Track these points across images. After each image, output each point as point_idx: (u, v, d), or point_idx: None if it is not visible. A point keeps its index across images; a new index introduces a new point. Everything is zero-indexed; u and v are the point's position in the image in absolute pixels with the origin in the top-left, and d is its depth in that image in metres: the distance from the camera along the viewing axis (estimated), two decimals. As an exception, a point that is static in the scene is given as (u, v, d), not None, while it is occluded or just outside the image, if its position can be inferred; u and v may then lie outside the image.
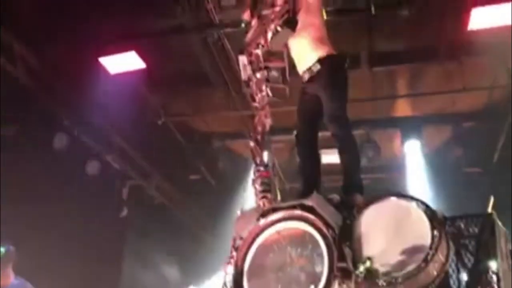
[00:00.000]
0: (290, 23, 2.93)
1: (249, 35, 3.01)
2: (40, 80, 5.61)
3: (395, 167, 7.58)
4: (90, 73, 5.83)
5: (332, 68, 3.41)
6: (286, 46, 3.21)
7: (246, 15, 3.12)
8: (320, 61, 3.42)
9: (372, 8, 5.19)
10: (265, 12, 3.00)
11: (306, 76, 3.50)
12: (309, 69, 3.46)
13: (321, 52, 3.44)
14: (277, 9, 3.00)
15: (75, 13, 5.35)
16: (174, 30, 5.74)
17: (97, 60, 5.77)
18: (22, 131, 5.52)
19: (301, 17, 3.39)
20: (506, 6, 5.01)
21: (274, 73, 3.10)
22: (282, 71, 3.11)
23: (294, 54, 3.57)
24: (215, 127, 7.40)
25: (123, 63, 5.86)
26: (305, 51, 3.48)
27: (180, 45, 5.95)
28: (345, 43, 5.50)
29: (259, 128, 3.13)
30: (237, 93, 6.34)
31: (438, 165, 7.35)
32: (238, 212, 2.96)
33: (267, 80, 3.11)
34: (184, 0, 5.40)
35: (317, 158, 3.57)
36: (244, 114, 6.44)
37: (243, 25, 3.21)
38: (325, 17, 5.01)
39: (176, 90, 6.60)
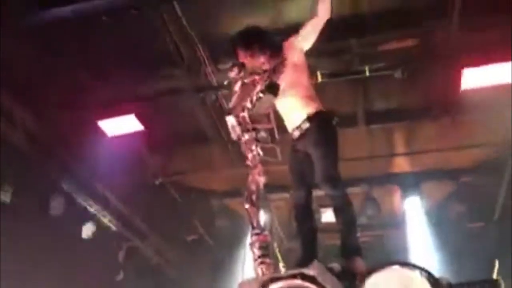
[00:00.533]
0: (271, 89, 2.94)
1: (234, 99, 3.02)
2: (38, 144, 5.60)
3: (395, 224, 7.47)
4: (88, 136, 5.83)
5: (321, 125, 3.41)
6: (271, 108, 3.23)
7: (233, 73, 3.12)
8: (309, 118, 3.43)
9: (367, 71, 5.28)
10: (247, 79, 3.03)
11: (296, 134, 3.50)
12: (299, 127, 3.46)
13: (310, 109, 3.45)
14: (258, 77, 3.05)
15: (75, 77, 5.42)
16: (172, 92, 5.78)
17: (96, 123, 5.79)
18: (18, 195, 5.43)
19: (288, 77, 3.41)
20: (497, 66, 5.12)
21: (262, 134, 3.06)
22: (270, 131, 3.08)
23: (283, 113, 3.57)
24: (213, 185, 7.34)
25: (122, 126, 5.88)
26: (294, 109, 3.48)
27: (179, 106, 5.98)
28: (341, 103, 5.70)
29: (253, 187, 3.08)
30: (235, 150, 6.22)
31: (439, 221, 7.23)
32: (238, 283, 2.90)
33: (257, 140, 3.07)
34: (182, 63, 5.46)
35: (314, 221, 3.52)
36: (243, 172, 6.30)
37: (225, 82, 3.22)
38: (320, 79, 5.24)
39: (174, 150, 6.58)
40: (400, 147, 6.65)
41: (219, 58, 5.47)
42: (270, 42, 3.50)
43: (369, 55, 5.38)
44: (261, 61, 3.38)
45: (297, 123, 3.47)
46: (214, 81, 5.60)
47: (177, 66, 5.50)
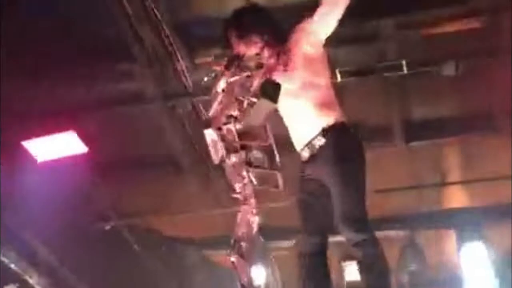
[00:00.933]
0: (269, 90, 2.91)
1: (215, 105, 3.01)
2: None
3: (449, 282, 7.44)
4: (10, 163, 5.77)
5: (342, 142, 3.46)
6: (269, 118, 3.18)
7: (218, 66, 3.18)
8: (325, 132, 3.47)
9: (404, 66, 5.30)
10: (234, 77, 3.04)
11: (306, 155, 3.54)
12: (310, 144, 3.50)
13: (327, 119, 3.49)
14: (250, 73, 3.07)
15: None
16: (130, 99, 5.79)
17: (19, 145, 5.77)
18: None
19: (298, 75, 3.50)
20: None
21: (256, 154, 3.07)
22: (267, 150, 3.08)
23: (289, 125, 3.64)
24: (189, 230, 7.33)
25: (57, 147, 5.86)
26: (304, 120, 3.53)
27: (139, 118, 5.97)
28: (369, 111, 5.79)
29: (243, 231, 3.08)
30: (217, 179, 6.35)
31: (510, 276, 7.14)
32: None
33: (248, 163, 3.07)
34: (144, 57, 5.45)
35: (330, 280, 3.56)
36: (228, 211, 6.35)
37: (205, 78, 3.27)
38: (339, 78, 5.20)
39: (132, 180, 6.55)
40: (453, 172, 6.65)
41: (197, 50, 5.48)
42: (271, 26, 3.62)
43: (409, 43, 5.36)
44: (257, 52, 3.50)
45: (308, 138, 3.51)
46: (189, 82, 5.57)
47: (137, 61, 5.46)
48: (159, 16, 5.13)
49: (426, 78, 5.50)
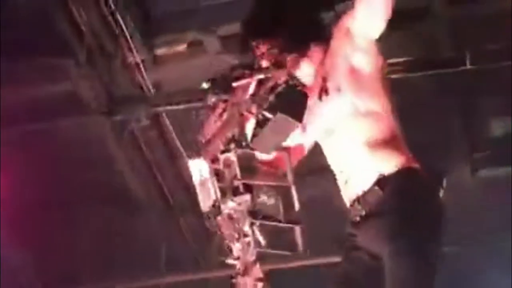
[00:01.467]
0: (289, 103, 2.96)
1: (210, 126, 3.06)
2: None
3: None
4: None
5: (407, 198, 3.50)
6: (287, 145, 3.26)
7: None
8: (383, 182, 3.51)
9: (467, 60, 5.38)
10: (239, 82, 3.07)
11: (355, 216, 3.60)
12: (362, 198, 3.57)
13: (387, 165, 3.55)
14: (259, 75, 3.08)
15: None
16: (60, 107, 5.88)
17: None
18: None
19: (345, 100, 3.61)
20: None
21: (266, 199, 3.10)
22: (283, 194, 3.10)
23: (336, 170, 3.73)
24: None
25: None
26: (354, 165, 3.61)
27: (72, 136, 6.08)
28: (419, 128, 5.74)
29: None
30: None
31: None
32: None
33: (252, 214, 3.11)
34: (82, 47, 5.60)
35: None
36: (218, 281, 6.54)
37: (204, 84, 3.22)
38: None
39: (63, 232, 6.64)
40: None
41: (159, 36, 5.61)
42: (303, 25, 3.77)
43: (473, 25, 5.44)
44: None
45: (360, 190, 3.60)
46: (147, 83, 5.68)
47: (71, 53, 5.58)
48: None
49: (501, 77, 5.58)
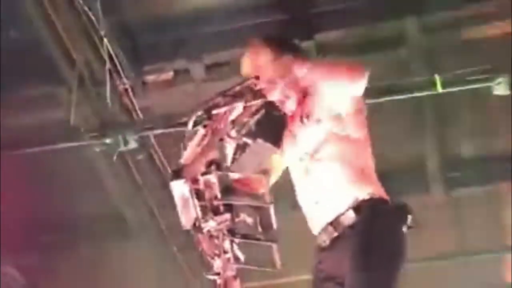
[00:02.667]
0: (268, 129, 3.03)
1: (191, 147, 3.07)
2: None
3: None
4: None
5: (378, 223, 3.49)
6: (268, 166, 3.30)
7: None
8: (357, 205, 3.51)
9: (438, 83, 5.41)
10: (220, 109, 3.09)
11: (326, 238, 3.57)
12: (335, 221, 3.54)
13: (362, 189, 3.54)
14: (239, 102, 3.12)
15: None
16: (50, 134, 5.91)
17: None
18: None
19: (323, 127, 3.57)
20: None
21: (245, 218, 3.11)
22: (262, 214, 3.11)
23: (303, 196, 3.68)
24: None
25: None
26: (329, 190, 3.58)
27: (62, 163, 6.12)
28: (394, 149, 5.95)
29: None
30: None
31: None
32: None
33: (231, 232, 3.11)
34: (72, 74, 5.65)
35: None
36: None
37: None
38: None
39: (54, 255, 6.67)
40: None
41: (147, 63, 5.73)
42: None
43: (445, 51, 5.60)
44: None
45: (332, 215, 3.56)
46: (136, 108, 5.75)
47: (61, 81, 5.65)
48: (92, 17, 5.30)
49: (470, 100, 5.70)
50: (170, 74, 5.79)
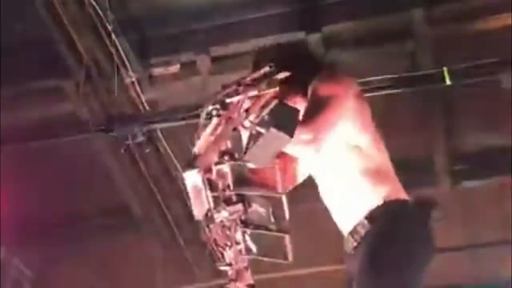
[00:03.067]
0: (280, 118, 2.95)
1: (203, 138, 3.04)
2: None
3: None
4: None
5: (391, 230, 3.47)
6: (279, 158, 3.24)
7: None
8: (370, 213, 3.50)
9: (446, 76, 5.42)
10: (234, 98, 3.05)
11: (350, 247, 3.57)
12: (353, 232, 3.54)
13: (374, 197, 3.52)
14: (252, 92, 3.09)
15: None
16: (59, 126, 5.97)
17: None
18: None
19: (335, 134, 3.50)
20: None
21: (257, 209, 3.09)
22: (274, 204, 3.09)
23: (329, 203, 3.67)
24: None
25: None
26: (345, 198, 3.59)
27: (70, 154, 6.12)
28: (401, 141, 5.76)
29: None
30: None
31: None
32: None
33: (244, 222, 3.09)
34: (79, 68, 5.64)
35: None
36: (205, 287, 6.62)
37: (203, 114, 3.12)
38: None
39: (62, 246, 6.65)
40: None
41: (154, 57, 5.72)
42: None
43: (453, 43, 5.57)
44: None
45: (351, 222, 3.57)
46: (143, 101, 5.73)
47: (69, 74, 5.65)
48: (100, 11, 5.31)
49: (479, 93, 5.68)
50: (177, 67, 5.74)
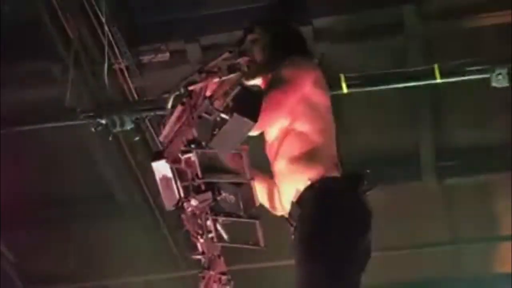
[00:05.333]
0: (243, 104, 2.94)
1: (169, 124, 3.03)
2: None
3: None
4: None
5: (315, 210, 3.45)
6: (245, 143, 3.20)
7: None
8: (299, 196, 3.51)
9: (437, 73, 5.34)
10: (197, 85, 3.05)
11: (292, 229, 3.58)
12: (288, 215, 3.57)
13: (301, 178, 3.53)
14: (215, 79, 3.09)
15: None
16: (45, 112, 5.88)
17: None
18: None
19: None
20: None
21: (227, 196, 3.08)
22: (243, 191, 3.07)
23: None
24: None
25: None
26: (284, 177, 3.60)
27: (56, 140, 6.13)
28: (389, 137, 6.01)
29: None
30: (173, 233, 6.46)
31: None
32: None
33: (214, 210, 3.11)
34: (66, 53, 5.60)
35: None
36: (189, 274, 6.52)
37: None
38: (345, 89, 5.32)
39: (45, 231, 6.72)
40: (505, 222, 6.70)
41: (143, 43, 5.65)
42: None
43: (443, 40, 5.54)
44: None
45: (287, 205, 3.59)
46: (132, 89, 5.69)
47: (55, 59, 5.62)
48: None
49: (468, 91, 5.63)
50: (166, 55, 5.68)
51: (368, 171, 3.55)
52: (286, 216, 3.58)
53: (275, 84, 3.49)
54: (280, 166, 3.57)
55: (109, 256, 6.94)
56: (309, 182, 3.47)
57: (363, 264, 3.45)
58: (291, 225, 3.52)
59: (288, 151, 3.55)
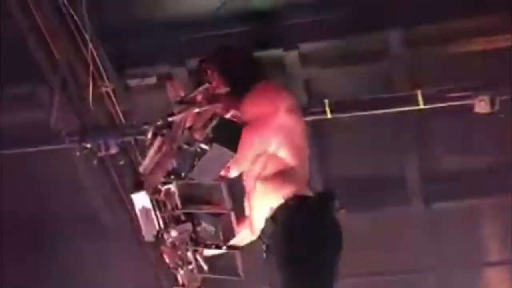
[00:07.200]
0: (223, 134, 3.00)
1: (150, 159, 3.05)
2: None
3: None
4: None
5: (288, 229, 3.52)
6: (224, 175, 3.25)
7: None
8: (273, 214, 3.58)
9: (420, 99, 5.33)
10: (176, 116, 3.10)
11: (264, 249, 3.70)
12: (261, 233, 3.68)
13: (275, 197, 3.61)
14: (194, 110, 3.15)
15: None
16: (31, 133, 5.90)
17: None
18: None
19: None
20: None
21: (207, 226, 3.11)
22: (223, 222, 3.11)
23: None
24: None
25: None
26: (259, 196, 3.66)
27: (45, 164, 6.15)
28: (374, 162, 5.99)
29: None
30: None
31: None
32: None
33: (194, 241, 3.14)
34: (50, 75, 5.60)
35: None
36: None
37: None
38: (329, 114, 5.31)
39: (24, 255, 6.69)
40: (492, 248, 6.77)
41: (130, 66, 5.66)
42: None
43: (426, 66, 5.53)
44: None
45: (261, 223, 3.66)
46: (118, 112, 5.68)
47: (38, 82, 5.64)
48: (77, 20, 5.24)
49: (453, 115, 5.61)
50: (153, 78, 5.65)
51: (337, 190, 3.65)
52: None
53: (248, 119, 3.49)
54: (254, 185, 3.62)
55: (93, 278, 6.91)
56: (282, 200, 3.53)
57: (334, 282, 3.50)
58: (263, 242, 3.59)
59: (263, 172, 3.61)
